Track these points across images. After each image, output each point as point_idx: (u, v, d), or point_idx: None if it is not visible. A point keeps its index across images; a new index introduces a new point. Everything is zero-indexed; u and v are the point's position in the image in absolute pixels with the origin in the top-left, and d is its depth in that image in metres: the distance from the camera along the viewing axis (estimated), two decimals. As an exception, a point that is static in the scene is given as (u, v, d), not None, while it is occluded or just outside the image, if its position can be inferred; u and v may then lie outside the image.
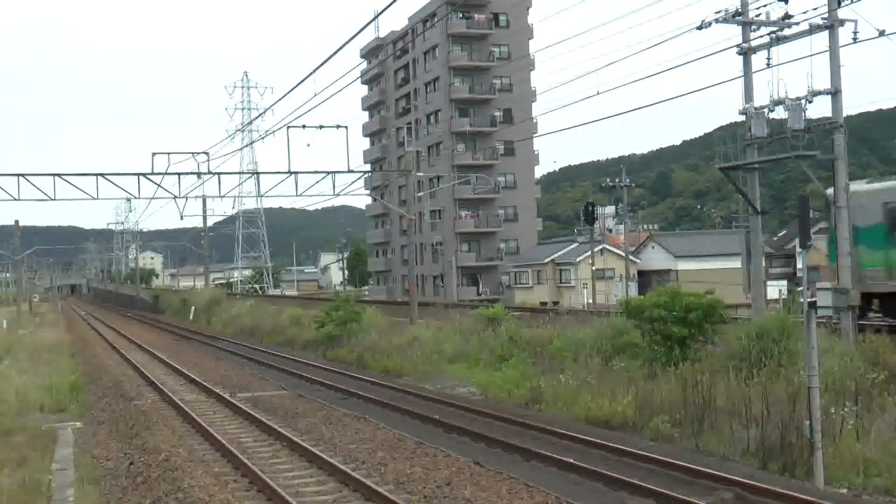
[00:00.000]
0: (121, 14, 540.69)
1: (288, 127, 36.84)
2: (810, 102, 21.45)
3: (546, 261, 70.47)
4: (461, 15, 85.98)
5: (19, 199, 36.26)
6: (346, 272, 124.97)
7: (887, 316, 22.64)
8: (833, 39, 21.19)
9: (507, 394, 22.29)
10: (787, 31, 22.05)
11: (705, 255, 64.02)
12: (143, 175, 37.21)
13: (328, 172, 39.60)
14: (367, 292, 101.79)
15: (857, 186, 24.96)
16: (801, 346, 16.29)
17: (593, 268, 55.34)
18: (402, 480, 14.10)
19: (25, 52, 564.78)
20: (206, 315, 63.13)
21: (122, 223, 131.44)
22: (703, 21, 22.59)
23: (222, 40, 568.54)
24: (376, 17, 22.50)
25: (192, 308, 68.21)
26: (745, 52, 22.91)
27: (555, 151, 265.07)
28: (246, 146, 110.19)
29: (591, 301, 53.37)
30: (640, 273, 68.21)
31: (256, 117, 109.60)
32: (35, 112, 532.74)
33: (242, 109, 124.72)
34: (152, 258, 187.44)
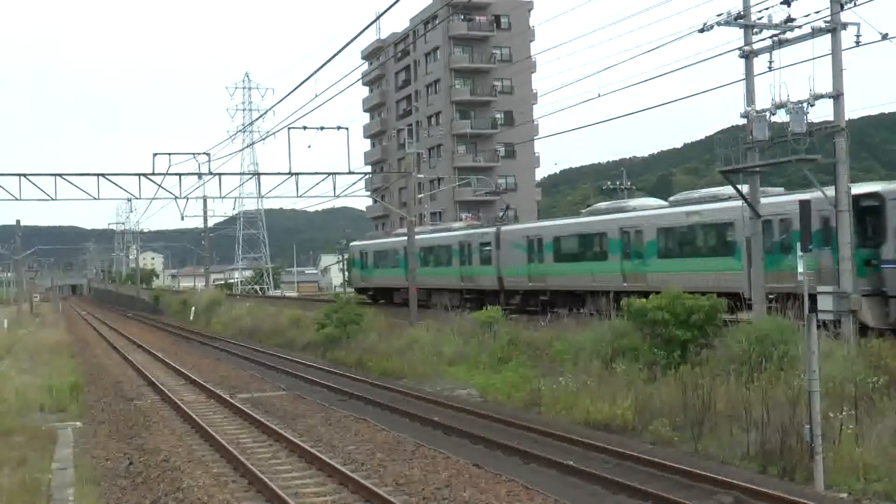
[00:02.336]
0: (122, 15, 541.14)
1: (289, 128, 36.84)
2: (812, 106, 21.42)
3: (546, 263, 70.29)
4: (462, 17, 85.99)
5: (20, 199, 36.22)
6: (347, 274, 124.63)
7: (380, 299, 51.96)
8: (835, 43, 21.17)
9: (506, 396, 22.27)
10: (789, 35, 22.01)
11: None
12: (144, 175, 37.20)
13: (329, 174, 39.61)
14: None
15: (359, 242, 59.31)
16: (801, 349, 16.28)
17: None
18: (401, 482, 14.10)
19: (27, 52, 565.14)
20: (206, 316, 63.08)
21: (123, 223, 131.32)
22: (704, 24, 22.57)
23: (224, 41, 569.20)
24: (377, 18, 22.56)
25: (192, 309, 68.14)
26: (747, 56, 22.88)
27: (555, 154, 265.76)
28: (247, 147, 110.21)
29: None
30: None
31: (257, 118, 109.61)
32: (37, 112, 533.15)
33: (243, 110, 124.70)
34: (153, 259, 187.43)
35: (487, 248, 41.35)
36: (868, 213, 23.18)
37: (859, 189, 23.50)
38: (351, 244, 63.15)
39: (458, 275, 43.54)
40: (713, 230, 28.01)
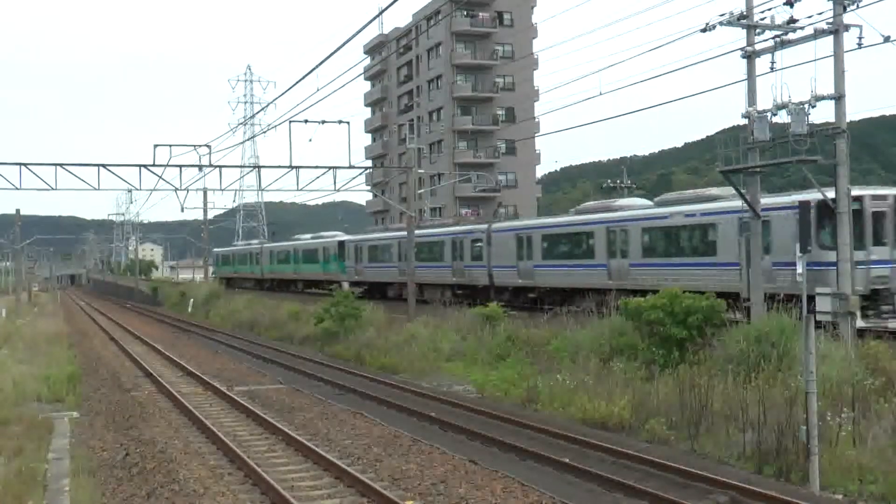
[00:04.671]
0: (125, 5, 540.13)
1: (290, 121, 36.80)
2: (813, 107, 21.42)
3: (545, 260, 70.22)
4: (465, 13, 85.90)
5: (20, 189, 36.13)
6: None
7: (227, 286, 77.86)
8: (838, 44, 21.16)
9: (503, 393, 22.27)
10: (791, 36, 22.00)
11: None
12: (145, 166, 37.16)
13: (329, 167, 39.61)
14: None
15: (217, 249, 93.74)
16: (799, 350, 16.29)
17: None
18: (397, 477, 14.11)
19: (29, 42, 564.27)
20: (205, 308, 63.11)
21: (123, 214, 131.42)
22: (707, 24, 22.55)
23: (226, 34, 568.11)
24: (380, 13, 22.46)
25: (191, 301, 68.15)
26: (749, 56, 22.87)
27: (556, 151, 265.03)
28: (248, 140, 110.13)
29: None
30: (640, 274, 67.95)
31: (259, 111, 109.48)
32: (38, 102, 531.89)
33: (245, 103, 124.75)
34: (152, 250, 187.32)
35: (257, 254, 75.63)
36: (344, 248, 55.88)
37: (342, 237, 58.51)
38: (213, 250, 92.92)
39: (251, 271, 78.33)
40: (326, 249, 59.77)
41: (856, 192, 22.84)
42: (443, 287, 40.19)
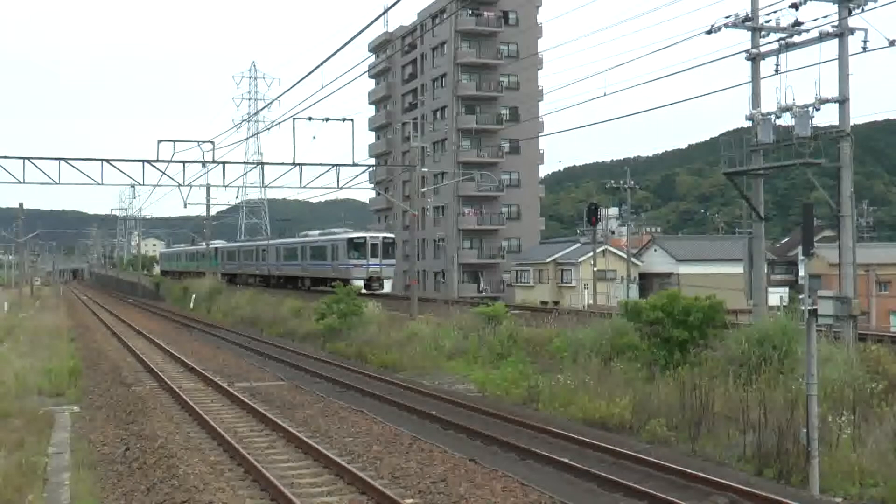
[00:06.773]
0: (129, 2, 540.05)
1: (294, 118, 36.90)
2: (818, 110, 21.43)
3: (548, 260, 70.14)
4: (470, 12, 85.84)
5: (24, 182, 36.16)
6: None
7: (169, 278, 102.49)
8: (842, 48, 21.16)
9: (504, 392, 22.28)
10: (796, 38, 22.01)
11: (707, 260, 63.83)
12: (148, 162, 37.21)
13: (333, 165, 39.67)
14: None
15: (162, 250, 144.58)
16: (801, 352, 16.28)
17: (595, 269, 55.28)
18: (397, 475, 14.11)
19: (31, 36, 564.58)
20: (207, 304, 63.16)
21: (126, 209, 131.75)
22: (712, 25, 22.56)
23: (231, 30, 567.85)
24: (385, 11, 22.54)
25: (193, 297, 68.22)
26: (754, 58, 22.87)
27: (560, 151, 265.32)
28: (251, 136, 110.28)
29: (591, 302, 53.29)
30: (642, 275, 68.02)
31: (263, 108, 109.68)
32: (41, 96, 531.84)
33: (249, 99, 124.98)
34: (154, 245, 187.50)
35: (179, 254, 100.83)
36: (218, 252, 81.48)
37: (218, 245, 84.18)
38: (160, 251, 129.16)
39: (175, 266, 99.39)
40: (210, 252, 78.00)
41: (362, 234, 54.35)
42: (254, 276, 71.29)
